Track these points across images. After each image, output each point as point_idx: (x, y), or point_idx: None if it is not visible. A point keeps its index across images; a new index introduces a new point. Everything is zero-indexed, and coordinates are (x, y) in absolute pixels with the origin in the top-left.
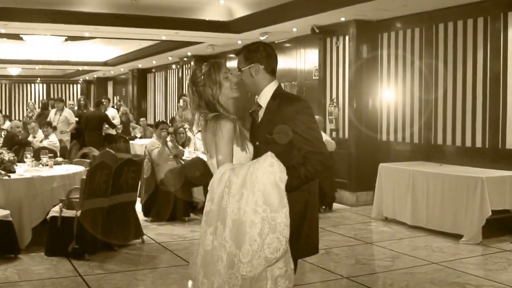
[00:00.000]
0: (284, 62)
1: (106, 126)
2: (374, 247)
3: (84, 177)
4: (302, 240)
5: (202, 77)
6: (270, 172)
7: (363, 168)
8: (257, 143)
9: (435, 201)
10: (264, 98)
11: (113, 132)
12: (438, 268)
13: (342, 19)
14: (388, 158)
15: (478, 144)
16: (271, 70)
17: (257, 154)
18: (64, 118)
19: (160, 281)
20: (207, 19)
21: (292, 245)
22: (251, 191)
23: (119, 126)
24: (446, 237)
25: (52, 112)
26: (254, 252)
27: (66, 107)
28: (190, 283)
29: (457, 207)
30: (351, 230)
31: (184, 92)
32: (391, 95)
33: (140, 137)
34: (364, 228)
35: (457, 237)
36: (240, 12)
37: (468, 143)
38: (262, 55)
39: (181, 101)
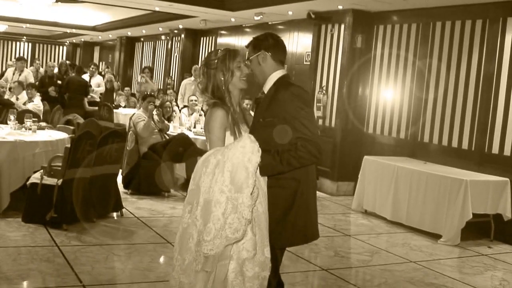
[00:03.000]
0: None
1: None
2: (353, 240)
3: (68, 145)
4: (287, 229)
5: (216, 61)
6: (241, 152)
7: (346, 158)
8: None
9: (417, 199)
10: (268, 85)
11: (97, 99)
12: (416, 267)
13: (340, 7)
14: (372, 151)
15: (465, 146)
16: (279, 60)
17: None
18: (24, 78)
19: (138, 257)
20: None
21: (274, 232)
22: (221, 170)
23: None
24: (424, 236)
25: (10, 71)
26: (217, 231)
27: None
28: (162, 258)
29: (438, 207)
30: (331, 220)
31: (143, 68)
32: (382, 88)
33: (124, 106)
34: (343, 219)
35: (435, 236)
36: None
37: (455, 143)
38: (270, 43)
39: (139, 76)
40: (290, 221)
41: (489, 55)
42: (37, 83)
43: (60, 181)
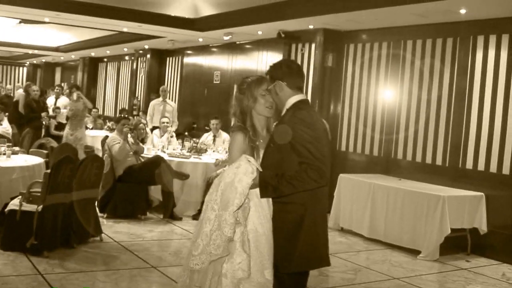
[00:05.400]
0: (244, 63)
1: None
2: (333, 258)
3: (47, 171)
4: (294, 254)
5: (245, 86)
6: (233, 173)
7: None
8: None
9: (394, 216)
10: (284, 111)
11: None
12: (400, 284)
13: (311, 26)
14: (345, 168)
15: (438, 162)
16: (296, 87)
17: None
18: None
19: (124, 283)
20: (172, 14)
21: (280, 257)
22: (216, 189)
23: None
24: (403, 252)
25: None
26: (203, 247)
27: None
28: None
29: (416, 223)
30: None
31: (78, 85)
32: (354, 105)
33: (92, 128)
34: None
35: (413, 252)
36: (206, 10)
37: (429, 160)
38: (284, 72)
39: (74, 94)
40: (296, 246)
41: (460, 73)
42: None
43: (40, 207)
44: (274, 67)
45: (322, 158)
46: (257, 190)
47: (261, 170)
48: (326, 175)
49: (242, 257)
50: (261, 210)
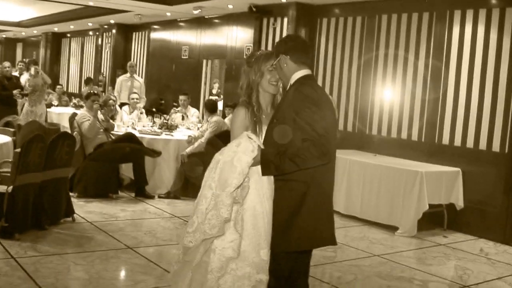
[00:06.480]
0: (214, 38)
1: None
2: None
3: (17, 150)
4: (294, 232)
5: (253, 59)
6: (233, 151)
7: None
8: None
9: (371, 192)
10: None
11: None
12: (381, 261)
13: (283, 0)
14: None
15: (414, 137)
16: (300, 61)
17: None
18: None
19: (101, 266)
20: None
21: (280, 235)
22: (215, 167)
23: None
24: (380, 228)
25: None
26: (199, 225)
27: None
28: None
29: (393, 199)
30: None
31: (36, 60)
32: (327, 81)
33: (57, 105)
34: None
35: (391, 228)
36: None
37: (404, 135)
38: (288, 46)
39: (32, 69)
40: (296, 225)
41: (436, 48)
42: None
43: (10, 188)
44: (279, 42)
45: (326, 135)
46: (259, 167)
47: (262, 147)
48: (329, 152)
49: (235, 236)
50: (260, 188)
